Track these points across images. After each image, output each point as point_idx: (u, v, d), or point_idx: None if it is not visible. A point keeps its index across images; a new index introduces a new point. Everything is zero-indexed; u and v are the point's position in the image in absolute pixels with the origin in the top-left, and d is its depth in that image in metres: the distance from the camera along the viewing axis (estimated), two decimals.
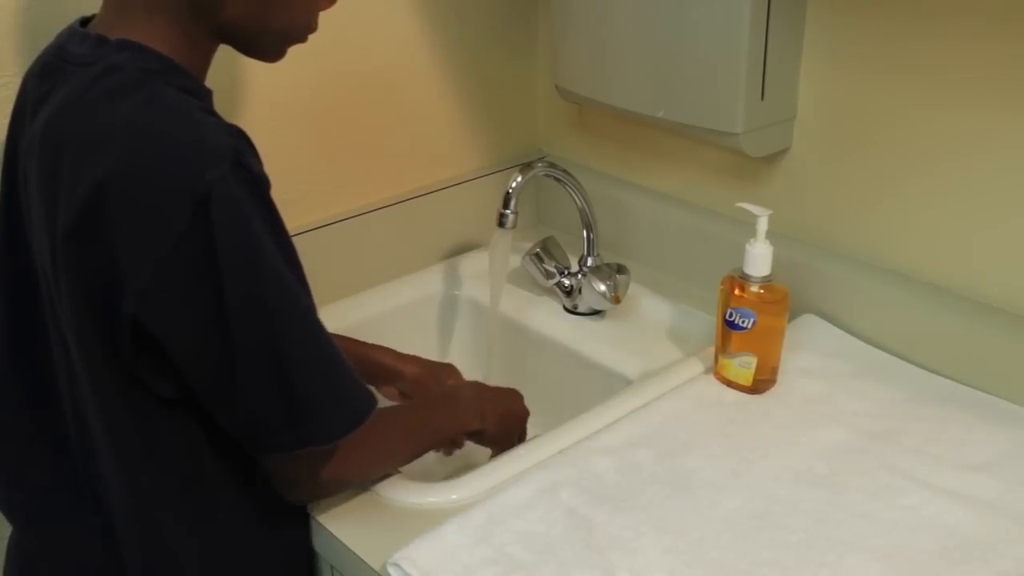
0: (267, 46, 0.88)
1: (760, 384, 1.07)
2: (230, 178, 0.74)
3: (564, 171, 1.26)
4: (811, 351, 1.13)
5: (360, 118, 1.32)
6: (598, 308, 1.30)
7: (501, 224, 1.20)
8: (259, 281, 0.77)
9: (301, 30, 0.88)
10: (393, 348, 1.18)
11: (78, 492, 0.88)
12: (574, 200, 1.28)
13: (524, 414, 1.13)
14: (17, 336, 0.90)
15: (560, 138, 1.50)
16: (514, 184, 1.20)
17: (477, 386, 1.12)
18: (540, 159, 1.26)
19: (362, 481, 0.95)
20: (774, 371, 1.08)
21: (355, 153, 1.33)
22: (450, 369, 1.20)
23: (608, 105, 1.28)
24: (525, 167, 1.22)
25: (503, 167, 1.46)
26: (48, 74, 0.83)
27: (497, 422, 1.07)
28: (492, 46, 1.42)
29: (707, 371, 1.11)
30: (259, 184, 0.78)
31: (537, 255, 1.31)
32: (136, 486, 0.85)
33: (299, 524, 0.94)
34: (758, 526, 0.89)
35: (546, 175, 1.25)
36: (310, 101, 1.26)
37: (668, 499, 0.92)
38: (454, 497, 0.94)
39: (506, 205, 1.20)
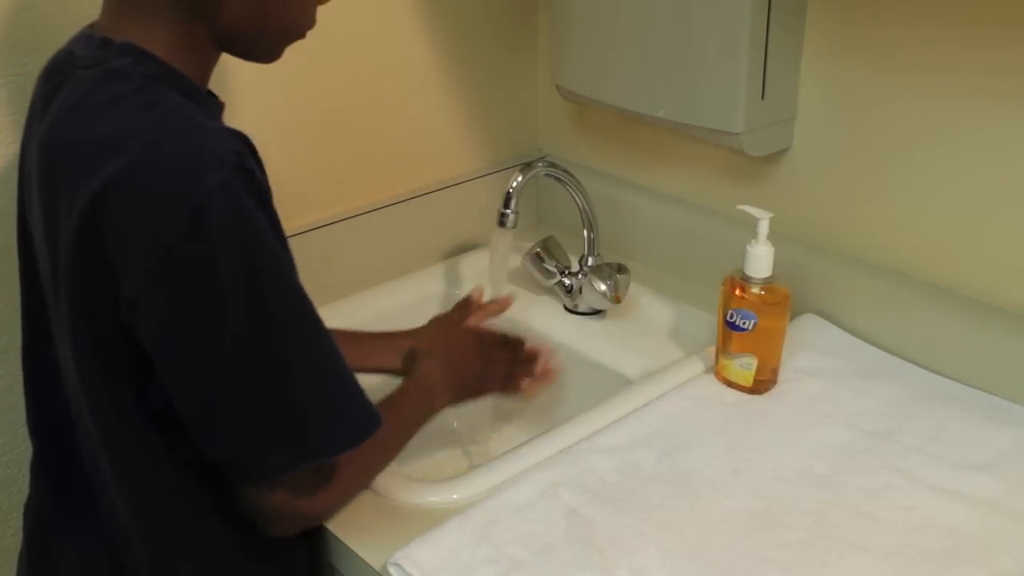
0: (267, 46, 0.86)
1: (760, 385, 1.07)
2: (233, 182, 0.72)
3: (564, 171, 1.26)
4: (811, 351, 1.13)
5: (360, 118, 1.32)
6: (599, 308, 1.30)
7: (502, 224, 1.20)
8: (264, 292, 0.74)
9: (300, 27, 0.86)
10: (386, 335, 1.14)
11: (84, 507, 0.87)
12: (574, 200, 1.28)
13: (479, 368, 1.07)
14: (32, 345, 0.90)
15: (560, 138, 1.50)
16: (515, 184, 1.20)
17: (437, 359, 1.04)
18: (540, 159, 1.26)
19: (343, 504, 0.91)
20: (775, 372, 1.08)
21: (355, 153, 1.33)
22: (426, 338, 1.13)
23: (608, 105, 1.28)
24: (525, 167, 1.22)
25: (503, 167, 1.46)
26: (53, 75, 0.82)
27: (460, 390, 1.04)
28: (492, 46, 1.42)
29: (707, 371, 1.11)
30: (262, 189, 0.76)
31: (537, 255, 1.31)
32: (136, 500, 0.83)
33: (302, 543, 0.92)
34: (758, 526, 0.89)
35: (546, 175, 1.25)
36: (310, 102, 1.26)
37: (668, 499, 0.92)
38: (455, 497, 0.94)
39: (507, 205, 1.20)
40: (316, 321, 0.78)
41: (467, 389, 1.06)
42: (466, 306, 1.18)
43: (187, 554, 0.85)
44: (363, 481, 0.93)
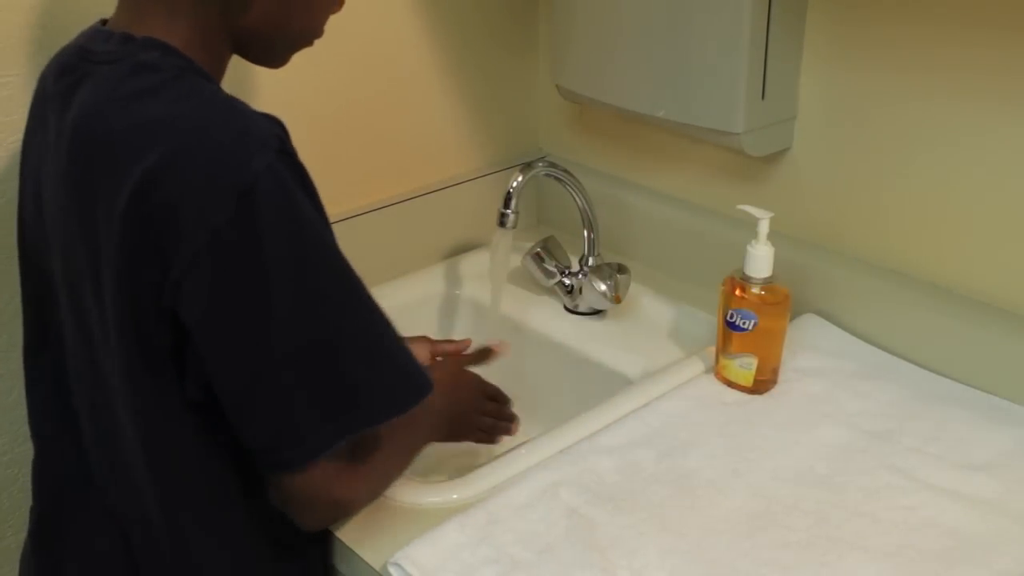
0: (281, 51, 0.87)
1: (761, 385, 1.07)
2: (278, 165, 0.72)
3: (564, 171, 1.26)
4: (812, 351, 1.13)
5: (360, 118, 1.32)
6: (599, 308, 1.30)
7: (502, 224, 1.20)
8: (312, 272, 0.74)
9: (313, 34, 0.87)
10: None
11: (90, 505, 0.87)
12: (575, 200, 1.28)
13: (471, 415, 1.09)
14: (34, 344, 0.90)
15: (560, 138, 1.50)
16: (515, 184, 1.20)
17: (444, 397, 1.01)
18: (540, 159, 1.26)
19: (372, 498, 0.91)
20: (775, 372, 1.08)
21: (355, 153, 1.33)
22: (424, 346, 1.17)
23: (609, 104, 1.28)
24: (526, 167, 1.22)
25: (503, 167, 1.46)
26: (66, 72, 0.82)
27: (453, 429, 1.06)
28: (492, 46, 1.42)
29: (707, 371, 1.11)
30: (304, 171, 0.76)
31: (538, 255, 1.31)
32: (167, 494, 0.83)
33: (320, 540, 0.92)
34: (758, 526, 0.89)
35: (547, 175, 1.25)
36: (311, 102, 1.26)
37: (669, 499, 0.92)
38: (455, 497, 0.94)
39: (507, 205, 1.20)
40: (365, 296, 0.78)
41: (457, 430, 1.07)
42: (461, 350, 1.18)
43: (213, 551, 0.85)
44: (391, 470, 0.90)
